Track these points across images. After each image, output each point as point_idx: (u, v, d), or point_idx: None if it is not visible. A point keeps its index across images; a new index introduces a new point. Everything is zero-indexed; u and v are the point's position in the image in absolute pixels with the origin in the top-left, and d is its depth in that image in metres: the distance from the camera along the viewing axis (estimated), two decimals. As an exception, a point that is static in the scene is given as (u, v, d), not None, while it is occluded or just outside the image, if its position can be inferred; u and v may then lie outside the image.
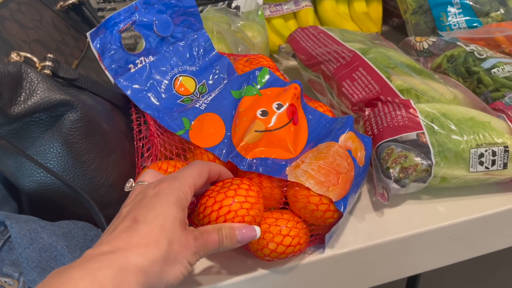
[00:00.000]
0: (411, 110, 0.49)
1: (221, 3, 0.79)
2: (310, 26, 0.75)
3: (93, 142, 0.40)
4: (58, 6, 0.54)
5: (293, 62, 0.79)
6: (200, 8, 0.78)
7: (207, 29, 0.61)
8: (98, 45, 0.45)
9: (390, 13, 0.96)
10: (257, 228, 0.38)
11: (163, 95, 0.48)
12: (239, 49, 0.62)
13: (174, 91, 0.49)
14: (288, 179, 0.41)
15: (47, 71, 0.39)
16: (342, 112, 0.60)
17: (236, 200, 0.38)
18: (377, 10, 0.93)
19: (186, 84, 0.50)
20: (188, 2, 0.51)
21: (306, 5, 0.88)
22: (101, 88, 0.44)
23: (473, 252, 0.52)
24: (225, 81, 0.51)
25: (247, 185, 0.40)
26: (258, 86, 0.49)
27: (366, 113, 0.53)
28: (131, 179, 0.39)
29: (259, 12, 0.78)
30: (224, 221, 0.38)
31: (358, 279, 0.49)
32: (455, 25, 0.76)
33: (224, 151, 0.44)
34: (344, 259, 0.46)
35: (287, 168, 0.42)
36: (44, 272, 0.35)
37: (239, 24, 0.69)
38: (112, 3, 0.90)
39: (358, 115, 0.56)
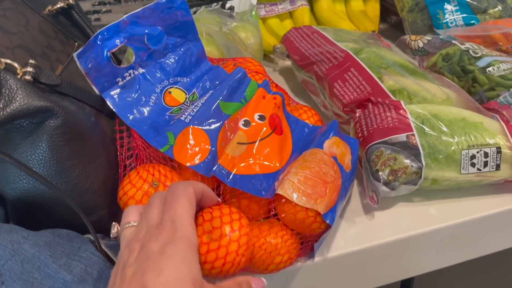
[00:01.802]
0: (401, 111, 0.49)
1: (215, 3, 0.78)
2: (304, 26, 0.75)
3: (76, 148, 0.40)
4: (46, 10, 0.54)
5: (288, 62, 0.79)
6: (193, 10, 0.78)
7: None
8: (85, 63, 0.44)
9: (388, 11, 0.95)
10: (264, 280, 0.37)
11: (152, 109, 0.47)
12: (230, 52, 0.61)
13: (163, 104, 0.48)
14: (276, 192, 0.40)
15: (28, 77, 0.38)
16: (334, 113, 0.59)
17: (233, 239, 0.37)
18: (374, 8, 0.92)
19: (176, 96, 0.49)
20: (184, 13, 0.50)
21: (302, 4, 0.87)
22: (85, 93, 0.43)
23: (466, 255, 0.51)
24: (213, 89, 0.50)
25: (238, 214, 0.38)
26: (247, 100, 0.48)
27: (357, 114, 0.53)
28: (115, 223, 0.37)
29: (253, 13, 0.77)
30: (224, 264, 0.36)
31: (350, 283, 0.48)
32: (452, 22, 0.75)
33: (207, 167, 0.43)
34: (335, 264, 0.45)
35: (276, 182, 0.41)
36: (26, 283, 0.35)
37: (232, 26, 0.68)
38: (108, 5, 0.90)
39: (349, 116, 0.56)
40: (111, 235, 0.37)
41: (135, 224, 0.35)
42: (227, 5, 0.79)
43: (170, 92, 0.49)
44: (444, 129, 0.47)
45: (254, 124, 0.45)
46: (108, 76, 0.46)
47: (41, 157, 0.38)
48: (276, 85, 0.54)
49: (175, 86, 0.50)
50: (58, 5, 0.55)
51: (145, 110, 0.47)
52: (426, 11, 0.78)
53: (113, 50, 0.46)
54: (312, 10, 0.90)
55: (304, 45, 0.69)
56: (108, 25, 0.47)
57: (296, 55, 0.70)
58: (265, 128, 0.45)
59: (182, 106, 0.49)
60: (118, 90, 0.47)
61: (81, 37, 0.58)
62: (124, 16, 0.48)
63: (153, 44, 0.48)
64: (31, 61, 0.39)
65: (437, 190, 0.50)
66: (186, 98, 0.50)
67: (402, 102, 0.49)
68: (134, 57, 0.48)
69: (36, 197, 0.40)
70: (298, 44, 0.71)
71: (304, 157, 0.43)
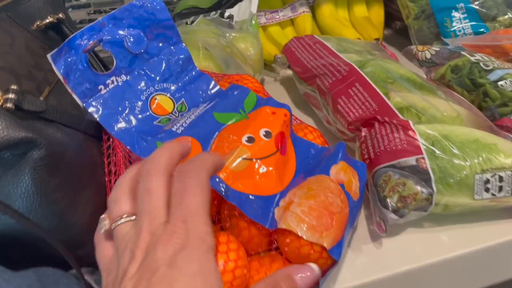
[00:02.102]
0: (410, 132, 0.46)
1: (213, 12, 0.76)
2: (306, 36, 0.72)
3: (62, 179, 0.37)
4: (35, 26, 0.51)
5: (290, 72, 0.76)
6: (191, 19, 0.75)
7: (194, 46, 0.58)
8: (61, 68, 0.42)
9: (393, 16, 0.92)
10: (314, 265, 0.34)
11: (138, 117, 0.45)
12: (229, 66, 0.58)
13: (150, 112, 0.46)
14: (278, 226, 0.37)
15: (9, 105, 0.36)
16: (338, 130, 0.57)
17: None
18: (378, 14, 0.89)
19: (164, 103, 0.47)
20: (161, 14, 0.47)
21: (303, 11, 0.85)
22: (72, 118, 0.41)
23: (480, 283, 0.48)
24: (207, 102, 0.47)
25: (236, 244, 0.36)
26: (246, 112, 0.45)
27: (363, 134, 0.50)
28: (104, 216, 0.32)
29: (253, 22, 0.74)
30: None
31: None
32: (460, 30, 0.72)
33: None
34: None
35: (276, 209, 0.39)
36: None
37: (231, 37, 0.65)
38: (104, 14, 0.87)
39: (355, 134, 0.53)
40: (100, 232, 0.31)
41: (132, 218, 0.30)
42: (226, 14, 0.76)
43: (156, 99, 0.47)
44: (456, 151, 0.44)
45: (258, 140, 0.42)
46: (89, 83, 0.44)
47: (24, 191, 0.36)
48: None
49: (162, 93, 0.47)
50: (47, 20, 0.52)
51: (131, 119, 0.45)
52: (432, 19, 0.75)
53: (88, 48, 0.44)
54: (314, 17, 0.87)
55: (306, 56, 0.66)
56: (83, 28, 0.45)
57: (297, 66, 0.67)
58: (270, 146, 0.42)
59: (171, 116, 0.47)
60: (101, 100, 0.44)
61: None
62: (100, 18, 0.46)
63: (133, 47, 0.46)
64: (13, 86, 0.37)
65: (448, 215, 0.47)
66: (174, 107, 0.47)
67: (410, 122, 0.47)
68: (115, 63, 0.46)
69: (20, 232, 0.37)
70: (299, 55, 0.68)
71: (309, 185, 0.40)
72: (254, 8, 0.75)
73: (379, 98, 0.52)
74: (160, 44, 0.48)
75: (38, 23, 0.51)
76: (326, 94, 0.59)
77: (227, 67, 0.58)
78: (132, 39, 0.45)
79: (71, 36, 0.43)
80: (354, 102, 0.53)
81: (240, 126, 0.43)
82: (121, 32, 0.45)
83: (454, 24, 0.72)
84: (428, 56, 0.65)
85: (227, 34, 0.65)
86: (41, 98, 0.39)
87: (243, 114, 0.45)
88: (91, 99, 0.43)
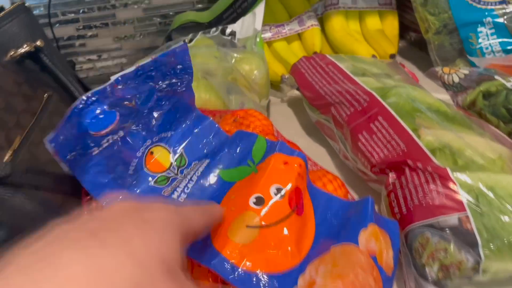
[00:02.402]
0: (449, 183, 0.39)
1: (214, 29, 0.69)
2: (316, 55, 0.65)
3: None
4: (8, 56, 0.44)
5: (298, 92, 0.69)
6: (190, 36, 0.68)
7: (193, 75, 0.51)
8: (56, 145, 0.35)
9: (407, 27, 0.85)
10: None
11: (131, 179, 0.37)
12: (232, 97, 0.51)
13: (145, 169, 0.38)
14: None
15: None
16: (358, 169, 0.50)
17: None
18: (392, 26, 0.82)
19: (160, 157, 0.39)
20: (182, 60, 0.40)
21: (312, 25, 0.77)
22: (48, 178, 0.34)
23: None
24: (209, 154, 0.40)
25: None
26: (255, 163, 0.38)
27: (390, 180, 0.43)
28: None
29: (257, 39, 0.67)
30: None
31: None
32: (487, 48, 0.65)
33: (204, 254, 0.33)
34: None
35: None
36: None
37: (233, 60, 0.58)
38: (94, 29, 0.80)
39: (379, 177, 0.46)
40: None
41: None
42: (228, 31, 0.69)
43: (152, 153, 0.40)
44: (508, 206, 0.37)
45: (269, 201, 0.35)
46: (82, 147, 0.36)
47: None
48: (293, 144, 0.45)
49: (159, 144, 0.40)
50: (23, 49, 0.45)
51: (124, 184, 0.37)
52: (456, 34, 0.68)
53: (102, 133, 0.37)
54: (323, 29, 0.80)
55: (318, 80, 0.59)
56: (93, 90, 0.37)
57: (308, 91, 0.60)
58: (283, 207, 0.35)
59: (168, 173, 0.39)
60: (91, 162, 0.37)
61: (53, 84, 0.48)
62: (113, 77, 0.38)
63: (142, 106, 0.39)
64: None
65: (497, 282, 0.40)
66: (172, 162, 0.40)
67: (449, 170, 0.40)
68: (117, 122, 0.39)
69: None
70: (310, 78, 0.61)
71: (334, 258, 0.33)
72: (258, 25, 0.68)
73: (408, 136, 0.45)
74: (167, 92, 0.41)
75: (12, 53, 0.45)
76: (343, 127, 0.52)
77: (229, 100, 0.51)
78: (142, 97, 0.38)
79: (69, 109, 0.36)
80: (377, 140, 0.46)
81: (248, 184, 0.36)
82: (133, 91, 0.38)
83: (480, 40, 0.65)
84: (456, 80, 0.58)
85: (229, 57, 0.58)
86: (7, 156, 0.32)
87: (252, 166, 0.38)
88: (80, 164, 0.36)
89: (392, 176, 0.43)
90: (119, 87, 0.37)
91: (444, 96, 0.62)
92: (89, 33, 0.80)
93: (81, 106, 0.37)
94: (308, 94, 0.60)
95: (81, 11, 0.77)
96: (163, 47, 0.67)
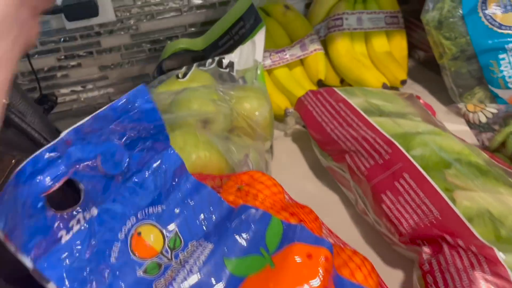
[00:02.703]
0: (499, 268, 0.33)
1: (210, 61, 0.62)
2: (324, 90, 0.59)
3: None
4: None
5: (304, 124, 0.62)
6: (183, 70, 0.61)
7: (189, 129, 0.44)
8: (2, 223, 0.27)
9: (414, 46, 0.79)
10: None
11: (114, 269, 0.31)
12: (233, 152, 0.45)
13: (131, 256, 0.32)
14: None
15: None
16: (382, 234, 0.44)
17: None
18: (401, 47, 0.76)
19: (149, 238, 0.33)
20: (150, 115, 0.33)
21: (315, 49, 0.71)
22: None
23: None
24: (210, 233, 0.34)
25: None
26: (270, 252, 0.32)
27: (425, 256, 0.37)
28: None
29: (259, 72, 0.61)
30: None
31: None
32: (510, 77, 0.59)
33: None
34: None
35: None
36: None
37: (233, 101, 0.52)
38: (77, 58, 0.73)
39: (409, 248, 0.40)
40: None
41: None
42: (225, 62, 0.63)
43: (139, 234, 0.33)
44: None
45: None
46: (44, 232, 0.29)
47: None
48: (308, 209, 0.38)
49: (147, 222, 0.34)
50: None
51: (104, 277, 0.31)
52: (475, 61, 0.62)
53: (48, 192, 0.29)
54: (326, 52, 0.74)
55: (329, 121, 0.53)
56: (37, 151, 0.30)
57: (318, 133, 0.54)
58: None
59: (160, 259, 0.33)
60: (60, 253, 0.30)
61: (24, 146, 0.42)
62: (63, 133, 0.31)
63: (110, 169, 0.32)
64: None
65: None
66: (164, 241, 0.33)
67: (495, 250, 0.34)
68: (83, 195, 0.31)
69: None
70: (319, 116, 0.55)
71: None
72: (259, 55, 0.62)
73: (441, 201, 0.39)
74: (144, 154, 0.34)
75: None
76: (361, 181, 0.46)
77: (231, 157, 0.45)
78: (108, 158, 0.31)
79: (19, 168, 0.28)
80: (405, 203, 0.40)
81: (265, 284, 0.30)
82: (93, 150, 0.31)
83: (502, 68, 0.60)
84: (483, 120, 0.52)
85: (228, 97, 0.52)
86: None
87: (267, 257, 0.32)
88: (46, 256, 0.29)
89: (426, 251, 0.37)
90: (73, 144, 0.30)
91: (465, 127, 0.57)
92: (72, 63, 0.73)
93: (27, 172, 0.29)
94: (318, 136, 0.54)
95: (62, 39, 0.70)
96: (154, 82, 0.60)
